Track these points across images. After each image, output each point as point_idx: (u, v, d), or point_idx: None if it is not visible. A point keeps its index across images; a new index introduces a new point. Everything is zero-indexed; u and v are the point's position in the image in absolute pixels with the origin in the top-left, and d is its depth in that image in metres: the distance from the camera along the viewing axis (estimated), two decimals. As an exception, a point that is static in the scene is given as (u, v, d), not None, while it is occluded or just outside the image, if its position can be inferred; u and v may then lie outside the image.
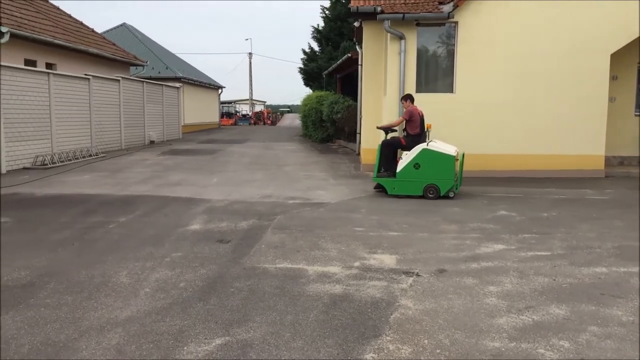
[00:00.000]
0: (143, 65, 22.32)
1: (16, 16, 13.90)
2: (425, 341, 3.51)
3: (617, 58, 11.31)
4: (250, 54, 76.34)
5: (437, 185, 8.61)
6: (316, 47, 32.70)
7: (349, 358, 3.29)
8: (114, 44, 20.46)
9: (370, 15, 11.19)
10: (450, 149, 8.76)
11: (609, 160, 12.01)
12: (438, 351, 3.37)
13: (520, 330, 3.67)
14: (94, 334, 3.61)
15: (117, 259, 5.30)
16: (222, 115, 45.50)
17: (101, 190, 9.35)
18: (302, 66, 33.45)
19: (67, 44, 15.70)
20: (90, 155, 14.61)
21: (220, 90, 39.42)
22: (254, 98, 62.77)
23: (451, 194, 8.70)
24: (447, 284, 4.61)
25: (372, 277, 4.76)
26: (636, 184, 10.26)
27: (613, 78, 11.92)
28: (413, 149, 8.73)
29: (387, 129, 9.23)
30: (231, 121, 48.09)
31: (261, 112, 57.78)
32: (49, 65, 15.17)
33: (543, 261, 5.27)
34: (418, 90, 11.15)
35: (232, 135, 26.43)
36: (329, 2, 30.74)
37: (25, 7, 15.20)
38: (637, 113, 12.70)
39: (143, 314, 3.93)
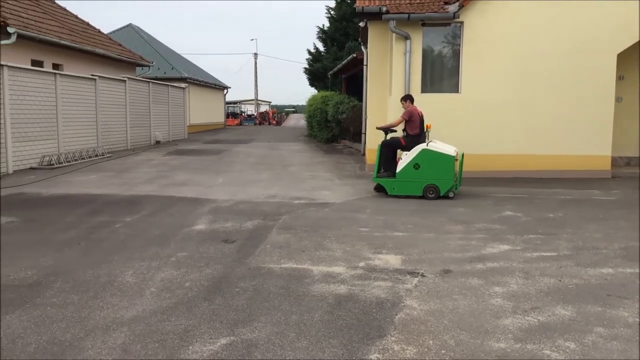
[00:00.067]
0: (149, 66, 22.41)
1: (23, 17, 13.98)
2: (430, 342, 3.50)
3: (624, 58, 11.25)
4: (255, 54, 76.39)
5: (437, 185, 8.61)
6: (321, 48, 32.71)
7: (354, 358, 3.29)
8: (120, 45, 20.55)
9: (376, 16, 11.18)
10: (449, 149, 8.75)
11: (615, 161, 11.94)
12: (443, 352, 3.36)
13: (525, 331, 3.66)
14: (100, 333, 3.62)
15: (123, 258, 5.32)
16: (228, 115, 45.61)
17: (107, 190, 9.39)
18: (307, 66, 33.46)
19: (74, 45, 15.78)
20: (97, 155, 14.68)
21: (225, 91, 39.50)
22: (259, 98, 62.86)
23: (451, 194, 8.69)
24: (452, 284, 4.60)
25: (377, 278, 4.76)
26: (643, 185, 10.20)
27: (619, 78, 11.85)
28: (413, 149, 8.73)
29: (387, 130, 9.23)
30: (236, 121, 48.17)
31: (266, 113, 57.85)
32: (55, 66, 15.26)
33: (549, 262, 5.25)
34: (423, 91, 11.15)
35: (237, 136, 26.48)
36: (335, 2, 30.75)
37: (32, 8, 15.29)
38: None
39: (148, 314, 3.94)
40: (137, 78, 19.82)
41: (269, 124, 52.55)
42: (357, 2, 11.67)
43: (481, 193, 9.24)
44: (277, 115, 59.91)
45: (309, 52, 33.44)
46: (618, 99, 11.93)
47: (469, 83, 11.10)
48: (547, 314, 3.95)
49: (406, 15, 10.66)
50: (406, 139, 9.01)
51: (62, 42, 15.12)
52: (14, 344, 3.46)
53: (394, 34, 11.08)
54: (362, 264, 5.17)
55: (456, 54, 11.22)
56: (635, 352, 3.37)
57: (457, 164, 8.80)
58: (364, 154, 14.70)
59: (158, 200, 8.46)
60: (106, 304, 4.13)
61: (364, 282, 4.65)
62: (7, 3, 13.86)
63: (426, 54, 11.20)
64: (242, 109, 57.96)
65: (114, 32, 29.16)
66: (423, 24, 10.94)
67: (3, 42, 12.55)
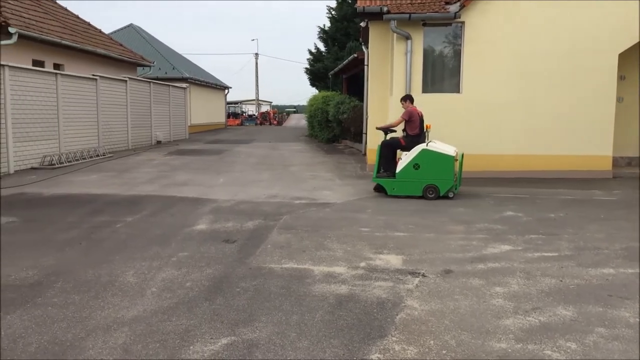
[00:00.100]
0: (150, 66, 22.42)
1: (24, 17, 14.00)
2: (431, 342, 3.50)
3: (625, 58, 11.24)
4: (256, 54, 76.52)
5: (437, 185, 8.61)
6: (322, 48, 32.71)
7: (355, 358, 3.29)
8: (121, 45, 20.56)
9: (377, 16, 11.18)
10: (449, 149, 8.76)
11: (616, 161, 11.93)
12: (444, 352, 3.36)
13: (526, 332, 3.65)
14: (101, 333, 3.62)
15: (123, 258, 5.32)
16: (229, 115, 45.62)
17: (108, 190, 9.39)
18: (308, 66, 33.47)
19: (75, 45, 15.79)
20: (98, 156, 14.69)
21: (226, 91, 39.51)
22: (260, 98, 62.87)
23: (450, 194, 8.69)
24: (453, 284, 4.60)
25: (378, 278, 4.76)
26: (644, 185, 10.19)
27: (621, 78, 11.84)
28: (412, 150, 8.73)
29: (387, 130, 9.23)
30: (237, 121, 48.19)
31: (267, 113, 57.86)
32: (56, 66, 15.27)
33: (550, 262, 5.24)
34: (424, 91, 11.14)
35: (238, 136, 26.49)
36: (335, 2, 30.76)
37: (34, 8, 15.30)
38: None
39: (149, 314, 3.95)
40: (138, 78, 19.84)
41: (270, 124, 52.56)
42: (358, 2, 11.67)
43: (482, 193, 9.24)
44: (278, 116, 59.92)
45: (310, 52, 33.46)
46: (619, 99, 11.92)
47: (470, 83, 11.10)
48: (548, 314, 3.94)
49: (407, 15, 10.66)
50: (406, 139, 9.01)
51: (64, 42, 15.13)
52: (15, 344, 3.46)
53: (395, 34, 11.08)
54: (363, 264, 5.17)
55: (457, 54, 11.21)
56: (636, 352, 3.37)
57: (457, 164, 8.80)
58: (365, 154, 14.69)
59: (159, 200, 8.46)
60: (107, 304, 4.13)
61: (364, 282, 4.65)
62: (9, 3, 13.87)
63: (427, 54, 11.20)
64: (243, 109, 57.96)
65: (115, 32, 29.18)
66: (424, 24, 10.94)
67: (5, 42, 12.56)
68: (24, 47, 13.43)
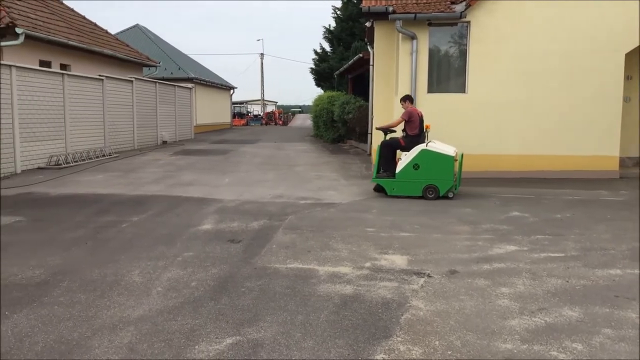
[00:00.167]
0: (156, 66, 22.49)
1: (31, 18, 14.07)
2: (437, 342, 3.49)
3: (632, 58, 11.18)
4: (262, 54, 76.44)
5: (437, 185, 8.60)
6: (328, 48, 32.69)
7: (360, 358, 3.29)
8: (127, 45, 20.63)
9: (382, 15, 11.16)
10: (449, 150, 8.74)
11: (623, 162, 11.86)
12: (449, 352, 3.35)
13: (532, 332, 3.64)
14: (107, 332, 3.64)
15: (129, 258, 5.34)
16: (234, 115, 45.70)
17: (114, 190, 9.43)
18: (313, 66, 33.47)
19: (82, 45, 15.86)
20: (104, 155, 14.75)
21: (232, 91, 39.57)
22: (265, 98, 62.93)
23: (450, 194, 8.68)
24: (458, 285, 4.58)
25: (383, 278, 4.75)
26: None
27: (627, 78, 11.77)
28: (412, 150, 8.72)
29: (386, 130, 9.23)
30: (243, 121, 48.26)
31: (273, 113, 57.94)
32: (63, 66, 15.35)
33: (556, 263, 5.22)
34: (430, 91, 11.12)
35: (243, 136, 26.52)
36: (341, 2, 30.75)
37: (41, 9, 15.38)
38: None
39: (155, 313, 3.96)
40: (144, 78, 19.90)
41: (276, 124, 52.63)
42: (364, 2, 11.66)
43: (488, 193, 9.21)
44: (283, 116, 59.98)
45: (315, 52, 33.46)
46: (626, 99, 11.85)
47: (476, 83, 11.06)
48: (554, 315, 3.93)
49: (412, 15, 10.64)
50: (406, 140, 9.00)
51: (70, 42, 15.20)
52: (22, 343, 3.48)
53: (400, 34, 11.06)
54: (368, 264, 5.16)
55: (463, 54, 11.18)
56: (643, 353, 3.35)
57: (457, 164, 8.79)
58: (370, 154, 14.68)
59: (165, 200, 8.49)
60: (113, 303, 4.14)
61: (370, 282, 4.64)
62: (16, 4, 13.96)
63: (433, 54, 11.18)
64: (249, 109, 58.06)
65: (121, 32, 29.31)
66: (429, 24, 10.92)
67: (12, 42, 12.63)
68: (30, 48, 13.51)
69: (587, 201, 8.63)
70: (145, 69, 22.48)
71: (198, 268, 5.02)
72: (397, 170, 8.78)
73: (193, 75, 29.18)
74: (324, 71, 31.36)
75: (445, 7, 10.80)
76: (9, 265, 5.05)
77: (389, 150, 9.05)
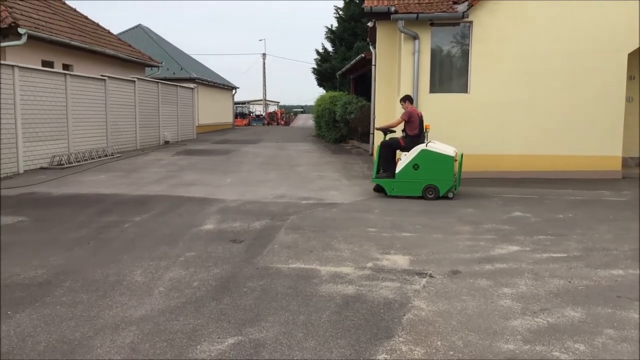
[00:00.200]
0: (158, 66, 22.52)
1: (34, 18, 14.10)
2: (438, 342, 3.49)
3: (635, 58, 11.16)
4: (264, 54, 76.64)
5: (436, 185, 8.60)
6: (330, 48, 32.71)
7: (362, 359, 3.29)
8: (129, 45, 20.67)
9: (384, 15, 11.16)
10: (449, 150, 8.74)
11: (626, 162, 11.84)
12: (451, 353, 3.35)
13: (534, 333, 3.63)
14: (109, 332, 3.64)
15: (131, 258, 5.35)
16: (236, 115, 45.73)
17: (116, 190, 9.44)
18: (315, 66, 33.48)
19: (84, 45, 15.89)
20: (106, 155, 14.77)
21: (234, 91, 39.60)
22: (267, 98, 62.97)
23: (450, 195, 8.67)
24: (460, 285, 4.58)
25: (384, 278, 4.75)
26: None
27: (630, 78, 11.75)
28: (412, 150, 8.72)
29: (386, 130, 9.23)
30: (245, 122, 48.30)
31: (275, 113, 57.95)
32: (65, 67, 15.37)
33: (558, 263, 5.21)
34: (432, 91, 11.12)
35: (245, 136, 26.54)
36: (343, 2, 30.74)
37: (43, 9, 15.41)
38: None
39: (157, 313, 3.96)
40: (146, 78, 19.92)
41: (277, 124, 52.64)
42: (366, 2, 11.66)
43: (490, 193, 9.20)
44: (285, 116, 59.99)
45: (318, 52, 33.47)
46: (629, 99, 11.83)
47: (478, 83, 11.05)
48: (556, 316, 3.92)
49: (415, 15, 10.63)
50: (405, 140, 9.00)
51: (73, 42, 15.22)
52: (24, 343, 3.49)
53: (402, 34, 11.06)
54: (370, 264, 5.16)
55: (465, 54, 11.17)
56: (646, 354, 3.34)
57: (456, 164, 8.79)
58: (372, 154, 14.67)
59: (167, 200, 8.50)
60: (115, 303, 4.15)
61: (371, 282, 4.64)
62: (18, 4, 13.99)
63: (435, 54, 11.17)
64: (251, 109, 58.11)
65: (123, 32, 29.35)
66: (432, 24, 10.91)
67: (14, 43, 12.66)
68: (33, 48, 13.53)
69: (590, 201, 8.62)
70: (147, 69, 22.51)
71: (200, 268, 5.02)
72: (397, 170, 8.78)
73: (195, 76, 29.21)
74: (326, 71, 31.36)
75: (447, 7, 10.80)
76: (12, 265, 5.06)
77: (388, 151, 9.05)
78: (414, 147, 8.74)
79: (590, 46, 10.75)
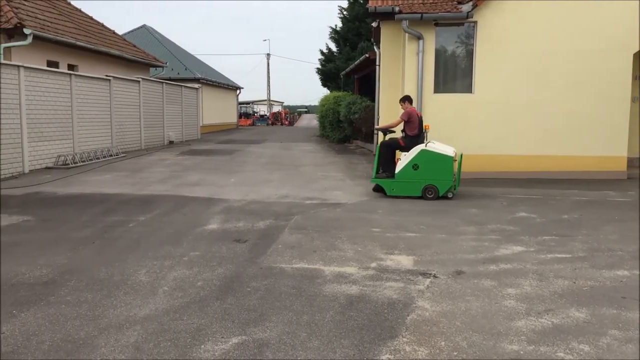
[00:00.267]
0: (162, 67, 22.58)
1: (39, 18, 14.16)
2: (442, 343, 3.48)
3: (641, 57, 11.12)
4: (268, 54, 76.66)
5: (436, 185, 8.59)
6: (334, 48, 32.70)
7: (365, 358, 3.29)
8: (134, 46, 20.74)
9: (388, 16, 11.15)
10: (448, 150, 8.73)
11: (631, 162, 11.78)
12: (455, 353, 3.34)
13: (539, 334, 3.62)
14: (113, 331, 3.65)
15: (136, 257, 5.36)
16: (240, 115, 45.78)
17: (121, 190, 9.47)
18: (319, 67, 33.47)
19: (89, 46, 15.95)
20: (111, 155, 14.82)
21: (238, 91, 39.68)
22: (271, 99, 63.01)
23: (450, 195, 8.66)
24: (464, 285, 4.57)
25: (388, 278, 4.74)
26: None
27: (635, 78, 11.70)
28: (411, 150, 8.72)
29: (386, 130, 9.23)
30: (249, 122, 48.38)
31: (279, 113, 57.99)
32: (70, 67, 15.44)
33: (563, 264, 5.20)
34: (436, 91, 11.10)
35: (250, 136, 26.57)
36: (347, 2, 30.73)
37: (48, 10, 15.48)
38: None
39: (161, 312, 3.97)
40: (150, 79, 19.98)
41: (282, 124, 52.68)
42: (370, 2, 11.66)
43: (495, 194, 9.17)
44: (289, 116, 60.04)
45: (322, 53, 33.46)
46: (634, 99, 11.78)
47: (482, 83, 11.03)
48: (561, 316, 3.91)
49: (419, 15, 10.62)
50: (405, 140, 8.99)
51: (78, 43, 15.29)
52: (29, 341, 3.50)
53: (406, 34, 11.05)
54: (374, 264, 5.16)
55: (469, 54, 11.15)
56: (651, 355, 3.32)
57: (456, 164, 8.78)
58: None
59: (171, 200, 8.52)
60: (119, 303, 4.16)
61: (375, 282, 4.64)
62: (24, 4, 14.05)
63: (439, 54, 11.15)
64: (255, 110, 58.17)
65: (128, 33, 29.45)
66: (436, 24, 10.90)
67: (19, 43, 12.73)
68: (38, 48, 13.59)
69: (595, 202, 8.58)
70: (152, 69, 22.58)
71: (204, 268, 5.03)
72: (397, 170, 8.78)
73: (199, 76, 29.28)
74: (330, 71, 31.35)
75: (451, 7, 10.78)
76: (17, 265, 5.09)
77: (388, 151, 9.05)
78: (413, 147, 8.73)
79: (594, 46, 10.71)
